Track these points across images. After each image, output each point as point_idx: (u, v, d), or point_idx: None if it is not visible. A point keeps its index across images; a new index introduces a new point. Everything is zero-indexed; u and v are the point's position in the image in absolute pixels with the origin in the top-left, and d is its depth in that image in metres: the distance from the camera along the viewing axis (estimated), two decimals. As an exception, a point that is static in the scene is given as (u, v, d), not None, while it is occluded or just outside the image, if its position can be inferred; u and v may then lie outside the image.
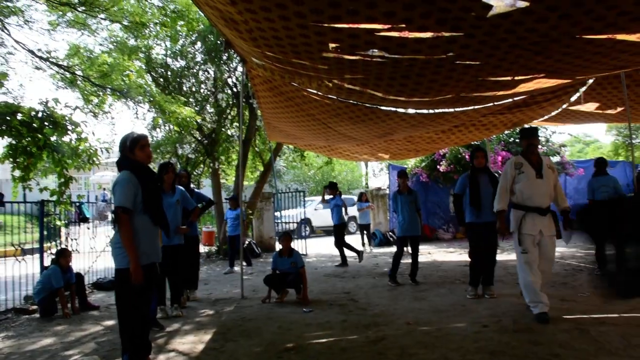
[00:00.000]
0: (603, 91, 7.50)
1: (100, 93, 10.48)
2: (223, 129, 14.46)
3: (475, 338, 4.53)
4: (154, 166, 7.70)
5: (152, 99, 10.16)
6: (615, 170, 15.05)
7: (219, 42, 12.14)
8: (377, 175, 34.36)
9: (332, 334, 5.06)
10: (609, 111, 8.40)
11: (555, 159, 15.78)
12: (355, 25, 3.83)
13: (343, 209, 11.23)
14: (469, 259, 6.67)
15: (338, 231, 11.15)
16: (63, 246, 7.76)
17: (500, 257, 6.16)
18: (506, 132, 14.03)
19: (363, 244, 14.20)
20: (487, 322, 5.04)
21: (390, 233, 15.81)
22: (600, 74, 6.42)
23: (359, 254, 11.11)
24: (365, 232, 14.64)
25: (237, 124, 14.11)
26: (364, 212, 14.36)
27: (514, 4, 3.43)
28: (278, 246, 7.91)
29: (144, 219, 3.93)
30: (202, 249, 13.13)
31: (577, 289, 6.56)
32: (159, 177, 6.03)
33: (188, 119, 10.17)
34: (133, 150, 4.00)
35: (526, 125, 15.10)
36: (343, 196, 12.37)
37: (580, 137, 44.04)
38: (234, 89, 14.06)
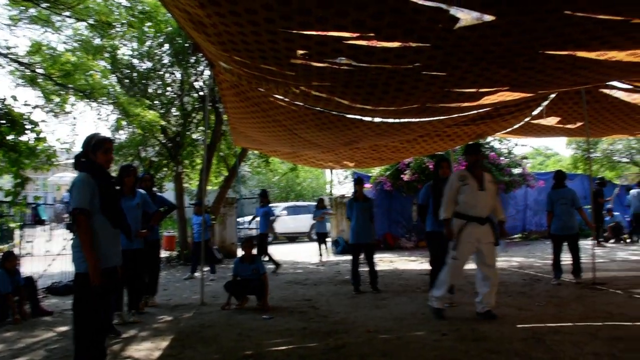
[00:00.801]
0: (564, 106, 7.73)
1: (62, 92, 10.24)
2: (188, 133, 14.30)
3: (435, 346, 4.58)
4: (115, 169, 7.57)
5: (116, 100, 9.98)
6: (573, 182, 15.49)
7: (186, 45, 12.01)
8: (342, 183, 34.49)
9: (292, 341, 5.03)
10: (569, 125, 8.66)
11: (517, 170, 16.15)
12: (324, 33, 3.84)
13: (270, 219, 11.19)
14: (429, 268, 6.75)
15: (261, 240, 11.24)
16: (12, 249, 7.51)
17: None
18: (470, 143, 14.26)
19: (320, 254, 13.40)
20: (447, 331, 5.09)
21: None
22: (562, 89, 6.61)
23: (277, 266, 11.26)
24: (322, 240, 13.62)
25: (203, 128, 13.97)
26: (322, 220, 13.71)
27: (481, 18, 3.50)
28: (240, 252, 7.83)
29: (102, 221, 3.85)
30: (163, 253, 12.90)
31: (534, 299, 6.70)
32: (120, 179, 5.93)
33: (152, 122, 10.03)
34: (96, 151, 3.93)
35: (491, 138, 15.40)
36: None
37: (542, 150, 45.16)
38: (201, 93, 13.94)
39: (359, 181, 8.38)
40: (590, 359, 4.03)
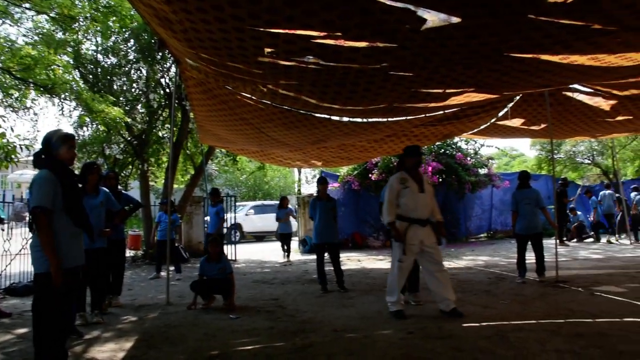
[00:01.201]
0: (529, 108, 7.89)
1: (22, 87, 9.94)
2: (154, 130, 14.05)
3: (401, 345, 4.60)
4: (78, 166, 7.38)
5: (79, 96, 9.74)
6: (538, 183, 15.82)
7: (153, 41, 11.81)
8: (310, 182, 34.48)
9: (259, 340, 4.99)
10: (534, 127, 8.85)
11: (483, 171, 16.42)
12: (292, 32, 3.82)
13: (221, 219, 11.00)
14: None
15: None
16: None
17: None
18: (437, 143, 14.44)
19: (286, 255, 13.29)
20: (413, 329, 5.13)
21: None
22: (526, 91, 6.74)
23: None
24: (285, 241, 13.40)
25: (169, 126, 13.76)
26: (285, 221, 13.46)
27: (448, 19, 3.54)
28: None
29: (64, 220, 3.75)
30: (128, 253, 12.67)
31: (499, 297, 6.80)
32: (83, 177, 5.78)
33: (117, 119, 9.82)
34: (58, 147, 3.84)
35: (457, 139, 15.58)
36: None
37: (507, 151, 45.94)
38: (167, 90, 13.73)
39: (322, 180, 8.34)
40: (552, 355, 4.11)
